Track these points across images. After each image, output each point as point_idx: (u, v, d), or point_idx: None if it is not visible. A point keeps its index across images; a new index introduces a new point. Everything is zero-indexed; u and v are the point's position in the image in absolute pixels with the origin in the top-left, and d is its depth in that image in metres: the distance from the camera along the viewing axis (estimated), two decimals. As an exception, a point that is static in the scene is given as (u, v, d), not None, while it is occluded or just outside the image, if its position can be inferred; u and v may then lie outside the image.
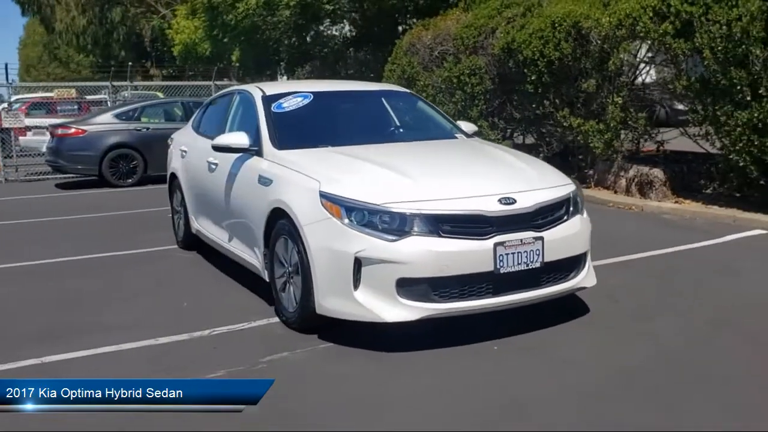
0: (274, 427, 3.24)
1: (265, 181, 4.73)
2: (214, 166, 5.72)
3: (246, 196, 5.02)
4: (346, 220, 3.98)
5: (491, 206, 3.97)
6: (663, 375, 3.67)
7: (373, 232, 3.91)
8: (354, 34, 17.90)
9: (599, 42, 9.02)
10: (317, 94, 5.54)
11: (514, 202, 4.03)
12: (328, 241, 4.02)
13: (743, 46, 7.11)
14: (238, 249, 5.33)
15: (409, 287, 3.86)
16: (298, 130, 5.19)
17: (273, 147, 4.93)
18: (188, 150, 6.63)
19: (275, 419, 3.27)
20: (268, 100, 5.40)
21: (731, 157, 7.53)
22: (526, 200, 4.08)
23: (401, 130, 5.69)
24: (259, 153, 5.00)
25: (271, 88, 5.71)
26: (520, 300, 4.08)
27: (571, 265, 4.29)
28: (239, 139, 5.07)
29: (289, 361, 3.99)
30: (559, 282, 4.22)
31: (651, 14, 8.19)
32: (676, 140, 9.29)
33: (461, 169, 4.59)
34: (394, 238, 3.87)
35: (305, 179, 4.34)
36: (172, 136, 7.66)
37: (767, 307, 4.71)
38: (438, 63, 12.03)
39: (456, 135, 5.58)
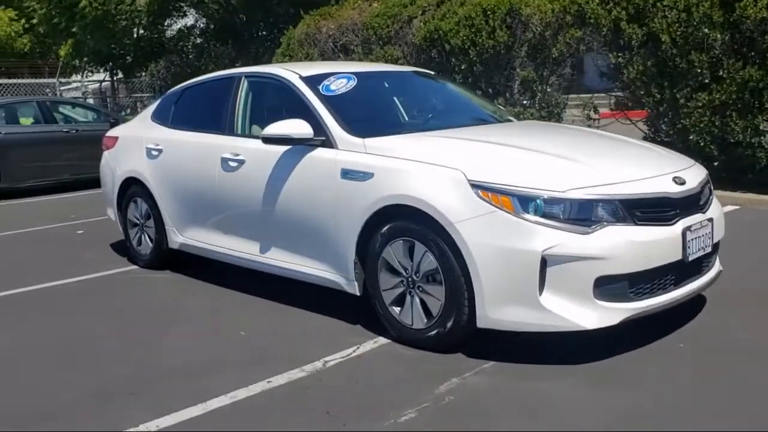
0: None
1: (356, 175, 3.90)
2: (235, 164, 4.71)
3: (316, 196, 4.13)
4: (524, 213, 3.32)
5: (672, 187, 3.53)
6: None
7: (561, 224, 3.29)
8: (214, 26, 16.50)
9: (539, 29, 8.96)
10: (359, 75, 4.76)
11: (685, 182, 3.63)
12: (496, 238, 3.33)
13: (703, 30, 7.37)
14: (288, 262, 4.41)
15: (607, 286, 3.30)
16: (366, 115, 4.42)
17: (349, 135, 4.09)
18: (164, 148, 5.46)
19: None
20: (311, 82, 4.54)
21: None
22: (692, 179, 3.70)
23: (466, 111, 5.06)
24: (327, 143, 4.15)
25: (303, 69, 4.81)
26: (694, 290, 3.66)
27: (716, 249, 3.98)
28: (300, 127, 4.17)
29: (470, 389, 3.25)
30: (711, 268, 3.88)
31: (598, 0, 8.27)
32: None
33: (601, 149, 4.07)
34: (587, 230, 3.29)
35: (437, 168, 3.60)
36: (112, 134, 6.35)
37: None
38: (343, 54, 11.38)
39: (510, 117, 5.10)
